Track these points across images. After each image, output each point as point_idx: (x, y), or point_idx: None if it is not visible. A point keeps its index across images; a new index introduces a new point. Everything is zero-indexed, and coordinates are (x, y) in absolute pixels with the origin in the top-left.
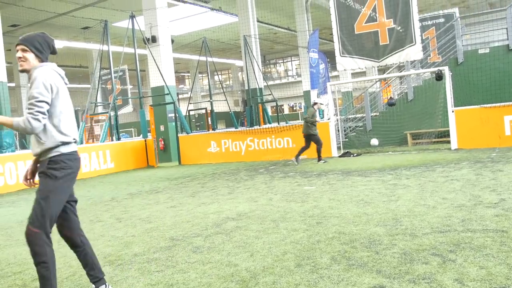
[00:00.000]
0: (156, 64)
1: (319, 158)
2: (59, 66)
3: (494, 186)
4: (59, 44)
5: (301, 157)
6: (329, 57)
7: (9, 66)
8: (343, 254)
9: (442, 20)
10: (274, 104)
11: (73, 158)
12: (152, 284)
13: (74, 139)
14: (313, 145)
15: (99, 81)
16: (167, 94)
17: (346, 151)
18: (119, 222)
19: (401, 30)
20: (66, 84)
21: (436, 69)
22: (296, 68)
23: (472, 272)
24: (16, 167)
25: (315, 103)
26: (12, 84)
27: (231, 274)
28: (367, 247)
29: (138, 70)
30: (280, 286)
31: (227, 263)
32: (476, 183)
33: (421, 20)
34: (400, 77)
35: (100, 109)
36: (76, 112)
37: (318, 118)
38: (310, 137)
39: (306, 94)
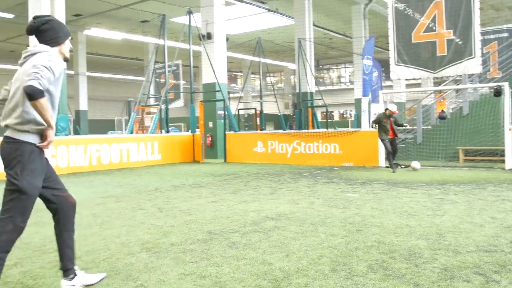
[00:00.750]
0: (210, 61)
1: (390, 166)
2: (116, 57)
3: None
4: (117, 35)
5: (348, 164)
6: (384, 66)
7: (70, 54)
8: (381, 264)
9: (505, 34)
10: (324, 109)
11: None
12: (185, 274)
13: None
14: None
15: (152, 74)
16: (218, 91)
17: (395, 162)
18: (160, 212)
19: (460, 42)
20: (21, 64)
21: (495, 84)
22: (349, 75)
23: None
24: (68, 151)
25: (386, 109)
26: (71, 72)
27: (264, 272)
28: (406, 259)
29: (192, 66)
30: None
31: (262, 261)
32: None
33: (483, 34)
34: (456, 91)
35: (152, 102)
36: (128, 102)
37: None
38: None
39: (357, 102)
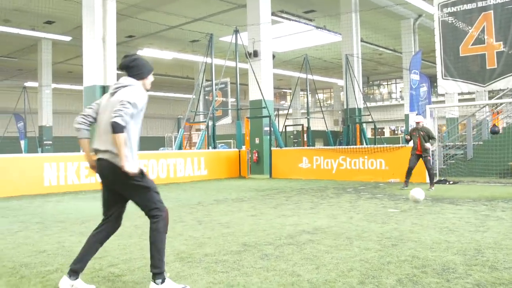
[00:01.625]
0: (256, 78)
1: (405, 182)
2: (167, 76)
3: None
4: (168, 55)
5: (394, 180)
6: (434, 80)
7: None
8: (411, 278)
9: None
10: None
11: None
12: (214, 283)
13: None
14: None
15: (201, 91)
16: (264, 107)
17: (443, 178)
18: (199, 224)
19: (511, 54)
20: (111, 94)
21: None
22: (400, 91)
23: None
24: None
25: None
26: None
27: (292, 283)
28: (438, 274)
29: (238, 83)
30: None
31: (291, 273)
32: None
33: None
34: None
35: (201, 119)
36: (178, 120)
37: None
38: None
39: (407, 118)
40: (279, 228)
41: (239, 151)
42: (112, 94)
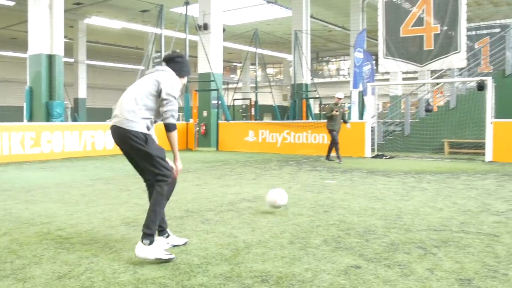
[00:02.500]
0: (205, 51)
1: (338, 157)
2: (116, 46)
3: (510, 197)
4: (118, 24)
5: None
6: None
7: (70, 42)
8: (335, 239)
9: (497, 30)
10: (323, 102)
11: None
12: None
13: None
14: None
15: (149, 63)
16: (212, 81)
17: (381, 153)
18: (144, 193)
19: (446, 37)
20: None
21: (478, 78)
22: (348, 68)
23: (446, 265)
24: (63, 136)
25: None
26: (71, 60)
27: (228, 244)
28: (360, 235)
29: (188, 56)
30: (268, 257)
31: (229, 235)
32: (493, 193)
33: (475, 29)
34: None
35: None
36: None
37: (336, 113)
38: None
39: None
40: (221, 196)
41: (187, 123)
42: (150, 73)
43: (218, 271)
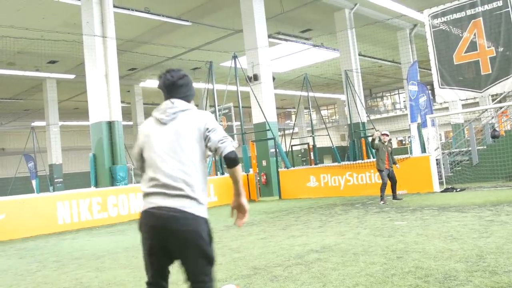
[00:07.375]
0: (257, 101)
1: (381, 197)
2: None
3: None
4: None
5: (401, 192)
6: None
7: (128, 106)
8: None
9: None
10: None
11: (141, 217)
12: None
13: (146, 190)
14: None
15: None
16: (268, 130)
17: (451, 186)
18: None
19: (504, 58)
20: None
21: None
22: (403, 101)
23: None
24: (128, 199)
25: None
26: (130, 123)
27: None
28: (440, 282)
29: (241, 107)
30: None
31: None
32: None
33: None
34: None
35: None
36: None
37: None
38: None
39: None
40: (288, 249)
41: (247, 174)
42: (168, 121)
43: None
